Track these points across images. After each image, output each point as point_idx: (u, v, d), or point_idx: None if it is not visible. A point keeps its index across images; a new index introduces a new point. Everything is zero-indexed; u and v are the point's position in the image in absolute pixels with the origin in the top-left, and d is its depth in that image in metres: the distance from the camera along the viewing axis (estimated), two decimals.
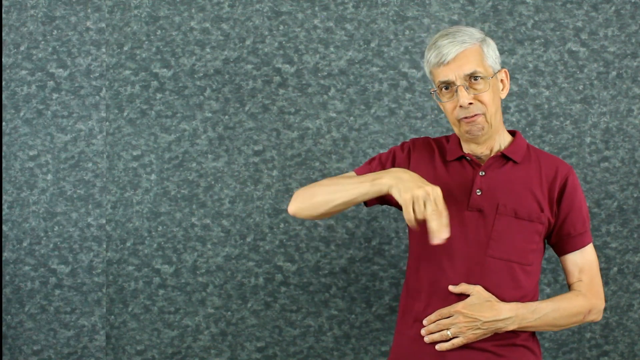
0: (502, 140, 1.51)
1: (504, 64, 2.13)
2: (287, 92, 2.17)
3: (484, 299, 1.39)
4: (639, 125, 2.15)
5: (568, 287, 1.52)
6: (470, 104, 1.41)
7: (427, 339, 1.41)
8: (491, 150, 1.50)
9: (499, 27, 2.15)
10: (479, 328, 1.37)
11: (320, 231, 2.16)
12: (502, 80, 1.50)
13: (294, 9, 2.17)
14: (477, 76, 1.41)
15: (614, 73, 2.15)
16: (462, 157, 1.51)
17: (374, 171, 1.52)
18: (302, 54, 2.17)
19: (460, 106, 1.42)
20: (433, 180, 1.48)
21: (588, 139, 2.14)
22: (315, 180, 2.15)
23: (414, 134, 2.15)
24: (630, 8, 2.15)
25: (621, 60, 2.15)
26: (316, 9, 2.17)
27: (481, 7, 2.15)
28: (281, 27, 2.17)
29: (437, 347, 1.40)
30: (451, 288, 1.41)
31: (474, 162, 1.49)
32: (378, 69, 2.16)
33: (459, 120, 1.44)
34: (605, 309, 2.13)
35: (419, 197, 1.30)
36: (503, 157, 1.48)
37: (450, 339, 1.40)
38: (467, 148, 1.51)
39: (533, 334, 1.48)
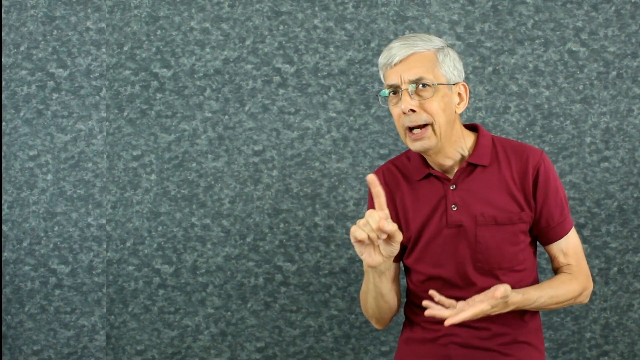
0: (464, 145, 1.43)
1: (503, 64, 2.14)
2: (287, 92, 2.17)
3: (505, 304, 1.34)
4: (639, 125, 2.15)
5: (554, 271, 1.49)
6: (413, 111, 1.34)
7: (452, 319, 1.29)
8: (454, 160, 1.42)
9: (499, 27, 2.15)
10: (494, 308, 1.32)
11: (320, 231, 2.16)
12: (459, 94, 1.41)
13: (294, 9, 2.17)
14: (424, 83, 1.34)
15: (614, 73, 2.15)
16: (429, 175, 1.44)
17: None
18: (302, 54, 2.17)
19: (404, 112, 1.35)
20: (409, 206, 1.45)
21: (588, 139, 2.14)
22: (315, 181, 2.15)
23: None
24: (630, 8, 2.15)
25: (621, 60, 2.15)
26: (316, 9, 2.17)
27: (481, 7, 2.15)
28: (281, 27, 2.17)
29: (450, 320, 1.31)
30: (497, 294, 1.29)
31: (442, 177, 1.43)
32: (378, 68, 2.16)
33: (406, 132, 1.37)
34: (605, 309, 2.13)
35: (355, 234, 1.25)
36: (470, 165, 1.42)
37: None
38: (430, 160, 1.44)
39: (536, 330, 1.47)
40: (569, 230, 1.46)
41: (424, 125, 1.36)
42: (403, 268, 1.56)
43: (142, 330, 2.17)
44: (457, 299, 1.40)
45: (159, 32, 2.18)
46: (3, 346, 2.18)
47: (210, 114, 2.17)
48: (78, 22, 2.18)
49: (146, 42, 2.18)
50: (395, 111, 1.38)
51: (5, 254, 2.18)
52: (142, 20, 2.18)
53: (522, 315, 1.44)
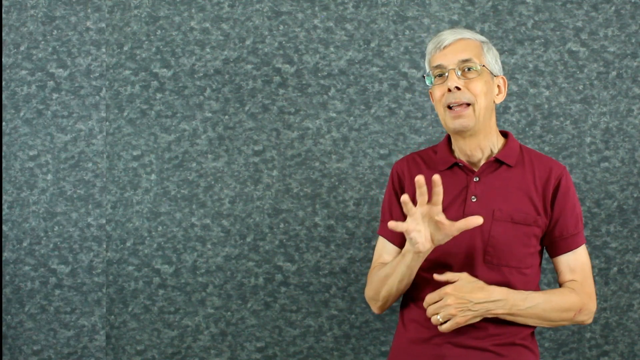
0: (495, 143, 1.49)
1: (503, 64, 2.14)
2: (287, 92, 2.17)
3: (473, 281, 1.38)
4: (639, 125, 2.15)
5: (559, 285, 1.51)
6: (458, 89, 1.40)
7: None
8: (483, 153, 1.48)
9: (499, 27, 2.15)
10: (469, 310, 1.36)
11: (320, 231, 2.16)
12: (498, 86, 1.49)
13: (294, 9, 2.17)
14: (470, 66, 1.42)
15: (614, 73, 2.15)
16: (455, 165, 1.49)
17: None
18: (302, 54, 2.17)
19: (449, 90, 1.41)
20: (430, 192, 1.48)
21: (588, 139, 2.15)
22: (316, 181, 2.15)
23: (414, 134, 2.15)
24: (630, 8, 2.15)
25: (621, 60, 2.15)
26: (316, 9, 2.17)
27: (481, 7, 2.15)
28: (281, 27, 2.17)
29: (440, 328, 1.39)
30: (435, 276, 1.39)
31: (467, 168, 1.47)
32: (378, 69, 2.16)
33: (446, 110, 1.43)
34: (605, 309, 2.13)
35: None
36: (496, 161, 1.47)
37: (442, 324, 1.38)
38: (458, 149, 1.49)
39: (532, 333, 1.47)
40: (580, 245, 1.48)
41: (467, 105, 1.42)
42: None
43: (142, 330, 2.18)
44: None
45: (159, 32, 2.18)
46: (3, 346, 2.18)
47: (210, 114, 2.17)
48: (78, 22, 2.18)
49: (146, 42, 2.18)
50: (439, 91, 1.44)
51: (5, 254, 2.18)
52: (142, 20, 2.18)
53: None
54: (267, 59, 2.17)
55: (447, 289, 1.37)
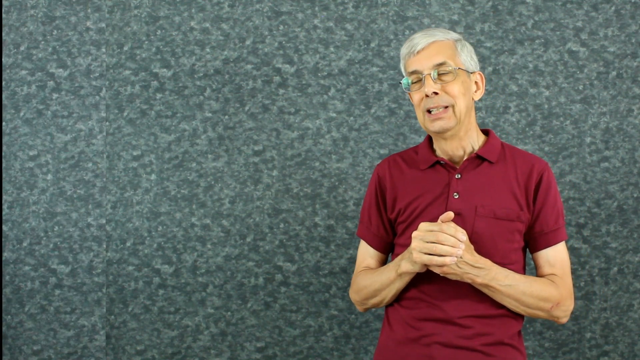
0: (476, 140, 1.49)
1: (503, 64, 2.14)
2: (287, 92, 2.17)
3: (469, 245, 1.38)
4: (639, 125, 2.15)
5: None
6: (436, 94, 1.41)
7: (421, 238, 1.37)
8: (464, 151, 1.48)
9: (499, 27, 2.15)
10: (456, 265, 1.36)
11: (320, 231, 2.16)
12: (476, 83, 1.49)
13: (294, 9, 2.17)
14: (446, 70, 1.42)
15: (614, 73, 2.15)
16: (436, 163, 1.50)
17: (374, 231, 1.57)
18: (302, 54, 2.17)
19: (427, 96, 1.41)
20: (411, 191, 1.48)
21: (588, 139, 2.15)
22: (315, 181, 2.15)
23: (414, 134, 2.15)
24: (630, 8, 2.15)
25: (621, 60, 2.15)
26: (316, 9, 2.17)
27: (481, 7, 2.15)
28: (281, 27, 2.17)
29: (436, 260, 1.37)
30: (441, 217, 1.38)
31: (448, 166, 1.48)
32: (378, 69, 2.16)
33: (425, 114, 1.44)
34: (605, 309, 2.13)
35: (415, 249, 1.35)
36: (478, 157, 1.47)
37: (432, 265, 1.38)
38: (440, 149, 1.50)
39: (519, 332, 1.47)
40: (561, 242, 1.47)
41: (445, 107, 1.42)
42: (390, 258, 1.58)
43: (142, 330, 2.18)
44: (438, 292, 1.43)
45: (159, 32, 2.18)
46: (3, 346, 2.18)
47: (210, 114, 2.17)
48: (78, 22, 2.18)
49: (146, 42, 2.18)
50: (417, 96, 1.45)
51: (5, 254, 2.18)
52: (142, 20, 2.18)
53: (505, 315, 1.44)
54: (267, 59, 2.17)
55: (460, 236, 1.36)
